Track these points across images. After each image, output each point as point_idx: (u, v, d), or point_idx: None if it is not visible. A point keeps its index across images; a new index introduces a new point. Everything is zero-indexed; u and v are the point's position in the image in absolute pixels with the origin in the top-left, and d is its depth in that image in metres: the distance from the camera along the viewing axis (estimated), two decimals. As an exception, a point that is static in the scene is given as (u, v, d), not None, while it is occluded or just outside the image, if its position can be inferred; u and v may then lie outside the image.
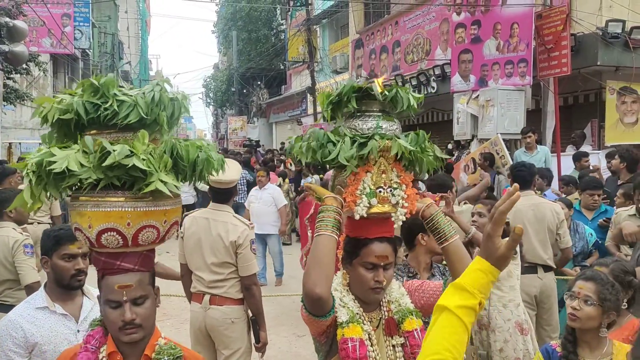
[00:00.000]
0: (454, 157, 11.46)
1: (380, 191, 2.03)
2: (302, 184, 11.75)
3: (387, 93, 2.09)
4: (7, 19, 13.32)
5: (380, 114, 2.12)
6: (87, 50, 25.32)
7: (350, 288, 2.14)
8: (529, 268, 4.94)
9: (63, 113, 1.71)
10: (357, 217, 2.01)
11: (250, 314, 4.25)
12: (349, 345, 1.99)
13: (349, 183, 2.04)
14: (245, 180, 11.65)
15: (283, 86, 28.87)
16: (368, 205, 2.01)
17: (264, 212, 8.92)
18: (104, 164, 1.63)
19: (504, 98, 9.58)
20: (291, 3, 23.16)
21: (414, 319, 2.13)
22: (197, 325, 4.18)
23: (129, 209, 1.70)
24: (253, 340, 4.25)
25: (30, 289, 3.87)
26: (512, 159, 9.07)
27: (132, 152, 1.65)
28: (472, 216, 4.32)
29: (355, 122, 2.11)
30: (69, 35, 21.30)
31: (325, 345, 2.11)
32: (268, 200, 9.01)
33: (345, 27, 21.03)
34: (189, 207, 13.13)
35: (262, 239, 8.86)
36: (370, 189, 2.02)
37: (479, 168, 9.14)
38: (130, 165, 1.63)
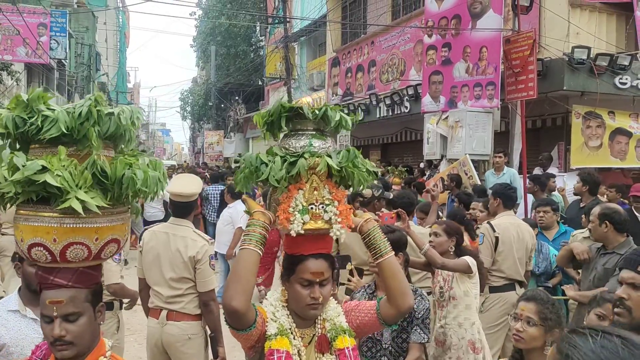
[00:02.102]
0: (426, 176, 11.60)
1: (312, 208, 2.06)
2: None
3: (317, 112, 2.14)
4: (-21, 27, 13.18)
5: (313, 132, 2.17)
6: (63, 61, 25.09)
7: (289, 304, 2.17)
8: (508, 285, 5.13)
9: (3, 128, 1.72)
10: (293, 233, 2.03)
11: (209, 330, 4.23)
12: (275, 356, 2.01)
13: (282, 200, 2.08)
14: (218, 195, 11.53)
15: (261, 102, 28.94)
16: (301, 222, 2.04)
17: (220, 231, 8.71)
18: (11, 179, 1.63)
19: (473, 120, 9.73)
20: (270, 20, 23.32)
21: (346, 337, 2.14)
22: (154, 341, 4.14)
23: (55, 225, 1.69)
24: (211, 357, 4.22)
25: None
26: (481, 180, 9.22)
27: (44, 167, 1.64)
28: (430, 236, 4.38)
29: (290, 141, 2.16)
30: (45, 45, 21.11)
31: (253, 359, 2.12)
32: (226, 219, 8.80)
33: (322, 45, 21.25)
34: (158, 222, 12.97)
35: (224, 257, 8.66)
36: (302, 205, 2.05)
37: (446, 189, 9.26)
38: (40, 182, 1.63)
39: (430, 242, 4.28)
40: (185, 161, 40.20)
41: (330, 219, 2.08)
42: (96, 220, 1.73)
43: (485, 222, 5.43)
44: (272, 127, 2.20)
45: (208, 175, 15.51)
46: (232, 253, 8.68)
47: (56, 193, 1.66)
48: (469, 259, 4.18)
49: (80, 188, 1.68)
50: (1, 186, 1.64)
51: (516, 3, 9.22)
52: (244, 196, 2.61)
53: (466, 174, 9.25)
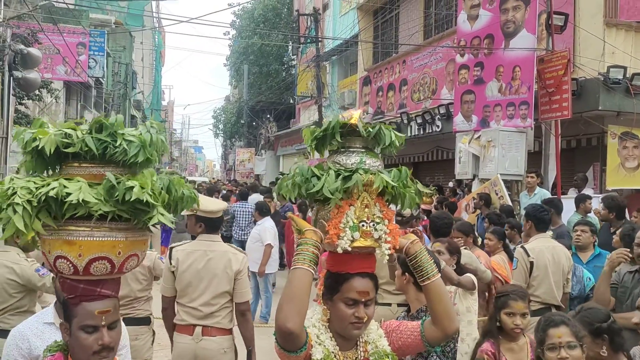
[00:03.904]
0: (458, 197, 11.51)
1: (363, 225, 2.02)
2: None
3: (370, 130, 2.13)
4: (22, 46, 13.63)
5: (363, 150, 2.15)
6: (100, 79, 25.76)
7: (330, 324, 2.12)
8: (544, 309, 4.97)
9: (65, 146, 1.79)
10: (340, 250, 2.00)
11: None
12: None
13: (332, 216, 2.03)
14: (246, 213, 11.59)
15: (292, 120, 29.17)
16: (351, 238, 2.00)
17: (250, 248, 8.55)
18: (121, 198, 1.75)
19: (505, 139, 9.64)
20: (302, 40, 23.57)
21: None
22: (187, 358, 4.16)
23: (122, 239, 1.80)
24: None
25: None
26: (515, 200, 9.11)
27: (143, 187, 1.78)
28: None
29: (339, 158, 2.13)
30: (83, 63, 21.73)
31: None
32: (255, 237, 8.77)
33: (354, 64, 21.36)
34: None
35: (254, 274, 8.54)
36: (353, 222, 2.01)
37: (476, 208, 9.18)
38: (137, 199, 1.75)
39: None
40: (213, 177, 40.62)
41: (380, 237, 2.04)
42: (146, 234, 1.89)
43: (519, 246, 5.35)
44: (321, 142, 2.19)
45: (235, 190, 15.64)
46: (263, 270, 8.71)
47: (145, 210, 1.79)
48: (472, 276, 4.26)
49: (160, 205, 1.84)
50: (92, 204, 1.73)
51: (550, 23, 9.16)
52: (290, 214, 2.63)
53: (497, 194, 9.14)
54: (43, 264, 4.18)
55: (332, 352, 2.06)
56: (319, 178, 2.05)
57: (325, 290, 2.15)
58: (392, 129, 2.19)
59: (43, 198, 1.71)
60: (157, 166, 2.08)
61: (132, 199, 1.74)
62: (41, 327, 2.66)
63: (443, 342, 2.21)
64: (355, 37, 19.44)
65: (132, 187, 1.75)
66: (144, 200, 1.76)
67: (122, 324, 2.89)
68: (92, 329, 1.82)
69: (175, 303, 4.21)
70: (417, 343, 2.14)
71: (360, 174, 2.02)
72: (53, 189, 1.71)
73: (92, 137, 1.80)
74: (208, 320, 4.12)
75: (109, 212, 1.76)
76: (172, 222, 1.86)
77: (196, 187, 17.50)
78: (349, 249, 2.00)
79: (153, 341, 4.64)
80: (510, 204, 8.76)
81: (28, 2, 17.66)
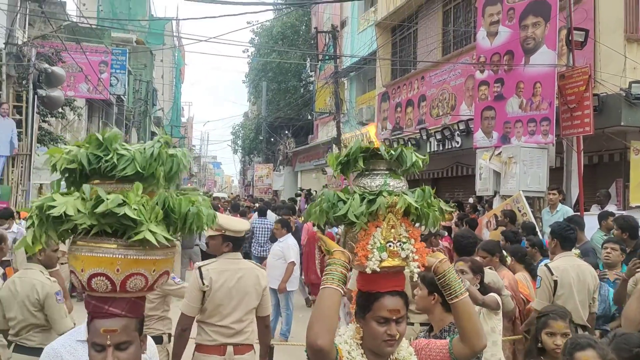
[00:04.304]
0: (478, 213, 11.42)
1: (390, 245, 2.08)
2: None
3: (393, 152, 2.19)
4: (47, 65, 13.92)
5: (387, 172, 2.21)
6: (122, 96, 26.12)
7: (363, 341, 2.16)
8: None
9: (69, 162, 1.83)
10: (369, 271, 2.06)
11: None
12: None
13: (360, 238, 2.09)
14: (265, 229, 11.62)
15: (310, 136, 29.28)
16: (379, 259, 2.06)
17: (271, 265, 8.53)
18: (96, 211, 1.72)
19: (527, 155, 9.58)
20: (320, 57, 23.73)
21: None
22: None
23: (120, 256, 1.76)
24: None
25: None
26: (537, 217, 9.01)
27: (124, 201, 1.74)
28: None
29: (364, 181, 2.20)
30: (105, 81, 22.09)
31: None
32: (277, 254, 8.71)
33: (372, 80, 21.43)
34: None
35: (274, 291, 8.48)
36: (380, 243, 2.08)
37: (500, 225, 9.09)
38: (121, 214, 1.72)
39: None
40: (232, 192, 40.83)
41: (407, 256, 2.10)
42: (155, 253, 1.82)
43: (543, 264, 5.28)
44: (345, 166, 2.27)
45: (253, 206, 15.66)
46: (283, 287, 8.68)
47: (130, 225, 1.75)
48: (496, 296, 4.22)
49: (151, 222, 1.78)
50: (76, 218, 1.73)
51: (570, 38, 9.13)
52: (319, 234, 2.68)
53: (520, 211, 9.07)
54: (60, 291, 4.23)
55: None
56: (344, 202, 2.12)
57: (357, 309, 2.20)
58: (413, 150, 2.25)
59: (46, 213, 1.74)
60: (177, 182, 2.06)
61: (111, 213, 1.72)
62: (74, 344, 2.67)
63: (471, 359, 2.22)
64: (374, 54, 19.52)
65: (102, 200, 1.73)
66: (120, 214, 1.72)
67: (152, 342, 2.92)
68: (99, 347, 1.82)
69: (200, 323, 4.18)
70: None
71: (384, 197, 2.09)
72: (40, 203, 1.75)
73: (86, 153, 1.82)
74: (238, 338, 4.15)
75: (93, 225, 1.75)
76: (168, 240, 1.81)
77: (214, 201, 17.57)
78: (378, 269, 2.06)
79: None
80: (533, 220, 8.67)
81: (52, 22, 18.05)
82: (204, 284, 4.11)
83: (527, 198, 9.18)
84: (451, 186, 16.23)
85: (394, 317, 2.11)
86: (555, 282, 4.96)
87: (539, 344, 3.38)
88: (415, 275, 2.13)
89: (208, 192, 26.66)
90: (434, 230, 6.02)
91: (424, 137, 14.53)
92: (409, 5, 16.81)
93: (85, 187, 1.78)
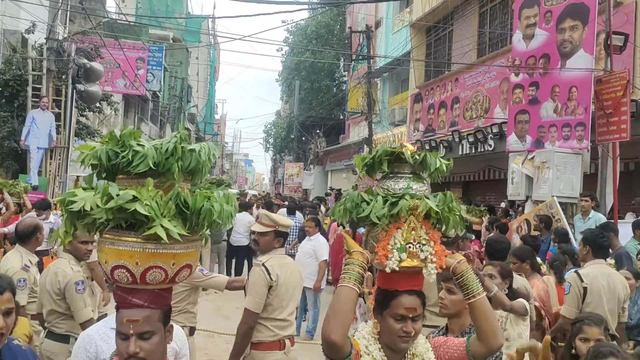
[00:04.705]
0: (509, 218, 11.27)
1: (409, 247, 2.17)
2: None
3: (417, 157, 2.26)
4: (85, 61, 14.24)
5: (411, 175, 2.29)
6: (157, 93, 26.56)
7: (380, 337, 2.26)
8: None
9: (94, 159, 1.91)
10: (388, 270, 2.14)
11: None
12: None
13: (381, 238, 2.19)
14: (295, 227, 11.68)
15: (341, 135, 29.29)
16: (399, 259, 2.14)
17: (301, 263, 8.39)
18: (106, 206, 1.79)
19: (561, 160, 9.43)
20: (354, 57, 23.71)
21: None
22: None
23: (138, 249, 1.83)
24: None
25: (84, 326, 4.05)
26: (570, 223, 8.86)
27: (135, 197, 1.80)
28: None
29: (388, 183, 2.28)
30: (142, 77, 22.46)
31: None
32: (308, 252, 8.74)
33: (405, 81, 21.33)
34: (242, 248, 13.34)
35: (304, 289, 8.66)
36: (400, 244, 2.16)
37: (533, 230, 8.97)
38: (131, 210, 1.79)
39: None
40: (264, 191, 41.13)
41: (426, 257, 2.17)
42: (174, 247, 1.87)
43: (573, 271, 5.20)
44: (370, 168, 2.35)
45: (283, 205, 15.76)
46: (319, 286, 8.75)
47: (143, 220, 1.82)
48: (524, 302, 4.18)
49: (164, 217, 1.84)
50: (94, 212, 1.80)
51: (609, 43, 8.95)
52: (343, 233, 2.77)
53: (554, 217, 8.93)
54: (83, 281, 4.31)
55: None
56: (368, 203, 2.22)
57: (376, 305, 2.30)
58: (437, 155, 2.33)
59: (66, 208, 1.82)
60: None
61: (124, 208, 1.78)
62: (108, 332, 2.75)
63: (487, 358, 2.29)
64: (408, 55, 19.43)
65: (110, 196, 1.79)
66: (130, 210, 1.78)
67: (182, 332, 2.99)
68: (123, 336, 1.89)
69: (260, 320, 4.20)
70: (462, 358, 2.25)
71: (406, 200, 2.17)
72: (62, 197, 1.84)
73: (105, 149, 1.88)
74: (290, 330, 4.29)
75: (109, 220, 1.81)
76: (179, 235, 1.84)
77: (247, 199, 17.74)
78: (397, 268, 2.15)
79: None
80: (567, 227, 8.54)
81: (92, 18, 18.46)
82: (271, 279, 4.17)
83: (560, 204, 9.03)
84: (483, 190, 16.06)
85: (410, 315, 2.20)
86: (585, 289, 4.89)
87: (573, 350, 3.34)
88: (432, 277, 2.20)
89: (242, 190, 26.89)
90: (461, 233, 6.04)
91: (456, 140, 14.41)
92: (445, 5, 16.67)
93: (100, 183, 1.86)
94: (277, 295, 4.21)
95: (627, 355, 2.64)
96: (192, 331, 4.78)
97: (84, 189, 1.87)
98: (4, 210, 9.13)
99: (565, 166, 9.44)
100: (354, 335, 2.29)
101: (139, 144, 1.90)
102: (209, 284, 4.79)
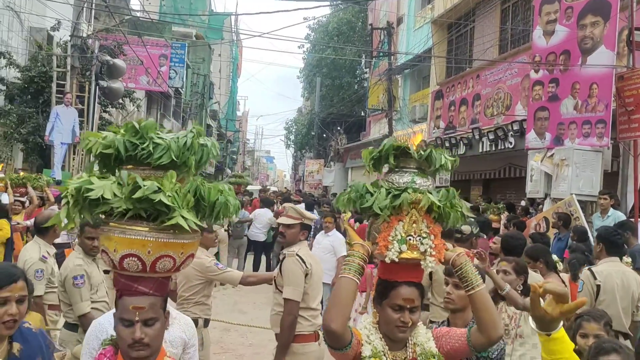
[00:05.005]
0: (529, 216, 11.17)
1: (410, 239, 2.21)
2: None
3: (422, 152, 2.32)
4: (108, 58, 14.46)
5: (416, 170, 2.34)
6: (179, 89, 26.82)
7: (379, 326, 2.32)
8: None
9: (105, 147, 1.94)
10: (388, 260, 2.20)
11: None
12: None
13: (382, 229, 2.24)
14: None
15: (362, 132, 29.25)
16: (399, 250, 2.19)
17: (320, 259, 8.72)
18: (134, 196, 1.84)
19: (580, 158, 9.33)
20: (375, 53, 23.66)
21: None
22: None
23: (151, 239, 1.87)
24: None
25: (82, 320, 4.17)
26: (588, 222, 8.76)
27: (159, 188, 1.85)
28: (497, 274, 4.26)
29: (393, 176, 2.34)
30: (164, 74, 22.73)
31: None
32: (327, 247, 8.74)
33: (426, 78, 21.22)
34: (259, 244, 13.45)
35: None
36: (401, 236, 2.21)
37: (552, 228, 8.89)
38: (156, 200, 1.84)
39: None
40: (285, 187, 41.29)
41: (425, 250, 2.22)
42: (184, 237, 1.93)
43: (587, 268, 5.16)
44: (377, 162, 2.39)
45: (301, 201, 15.83)
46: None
47: (163, 211, 1.87)
48: None
49: (183, 208, 1.89)
50: (113, 201, 1.85)
51: (631, 39, 8.81)
52: (347, 225, 2.82)
53: (572, 215, 8.84)
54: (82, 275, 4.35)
55: (381, 351, 2.26)
56: (372, 195, 2.27)
57: (376, 295, 2.35)
58: (443, 152, 2.38)
59: (83, 195, 1.84)
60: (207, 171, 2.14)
61: (152, 200, 1.82)
62: None
63: (487, 348, 2.37)
64: (429, 51, 19.32)
65: (139, 187, 1.83)
66: (156, 200, 1.82)
67: (191, 323, 3.05)
68: (127, 322, 1.93)
69: (300, 311, 4.25)
70: (463, 348, 2.29)
71: (409, 193, 2.22)
72: (78, 185, 1.85)
73: (123, 140, 1.92)
74: (320, 319, 4.30)
75: (129, 209, 1.85)
76: (197, 225, 1.91)
77: (269, 195, 17.85)
78: (396, 259, 2.19)
79: (203, 344, 4.69)
80: (585, 225, 8.44)
81: (116, 15, 18.72)
82: (307, 267, 4.27)
83: (580, 202, 8.93)
84: (503, 187, 15.92)
85: (408, 306, 2.24)
86: (598, 286, 4.85)
87: (576, 347, 3.33)
88: (431, 269, 2.26)
89: (265, 187, 27.07)
90: (476, 231, 6.03)
91: (477, 137, 14.32)
92: (467, 2, 16.55)
93: (124, 173, 1.89)
94: (312, 283, 4.29)
95: (629, 352, 2.63)
96: (206, 323, 4.87)
97: (99, 177, 1.91)
98: (27, 203, 9.33)
99: (585, 164, 9.34)
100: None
101: (159, 137, 1.95)
102: (223, 278, 4.86)
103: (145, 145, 1.92)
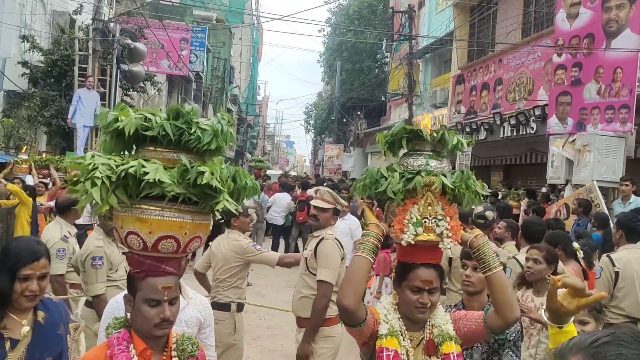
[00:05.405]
0: (550, 203, 11.07)
1: (425, 221, 2.23)
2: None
3: (435, 135, 2.32)
4: (129, 41, 14.55)
5: (430, 153, 2.35)
6: (200, 73, 26.88)
7: (399, 307, 2.35)
8: (628, 323, 4.74)
9: (144, 129, 1.94)
10: (404, 243, 2.22)
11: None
12: (384, 354, 2.21)
13: (398, 213, 2.26)
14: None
15: (382, 117, 29.10)
16: (414, 233, 2.21)
17: None
18: (197, 182, 1.87)
19: (602, 144, 9.19)
20: (396, 37, 23.44)
21: (452, 344, 2.28)
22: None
23: (189, 221, 1.94)
24: None
25: (95, 301, 4.23)
26: (609, 208, 8.66)
27: (212, 173, 1.90)
28: (527, 262, 4.21)
29: (408, 160, 2.36)
30: (185, 58, 22.77)
31: (366, 355, 2.35)
32: (344, 231, 8.57)
33: (447, 62, 20.99)
34: (277, 227, 13.54)
35: None
36: (416, 218, 2.23)
37: (572, 214, 8.81)
38: (206, 184, 1.88)
39: (528, 267, 4.15)
40: (305, 173, 41.37)
41: (441, 232, 2.24)
42: (209, 218, 2.01)
43: (605, 255, 5.10)
44: (392, 146, 2.41)
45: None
46: None
47: (212, 195, 1.92)
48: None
49: (225, 192, 1.97)
50: (166, 185, 1.86)
51: (658, 22, 8.63)
52: (364, 206, 2.87)
53: (593, 201, 8.74)
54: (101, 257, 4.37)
55: (398, 330, 2.28)
56: (386, 179, 2.30)
57: (395, 277, 2.39)
58: (455, 133, 2.38)
59: (122, 175, 1.85)
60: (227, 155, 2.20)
61: (202, 183, 1.87)
62: None
63: (504, 330, 2.38)
64: (450, 35, 19.09)
65: (203, 172, 1.88)
66: (213, 186, 1.88)
67: (207, 303, 3.10)
68: (155, 302, 1.97)
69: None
70: (480, 330, 2.31)
71: (422, 176, 2.23)
72: (132, 167, 1.86)
73: (169, 123, 1.94)
74: None
75: (180, 194, 1.88)
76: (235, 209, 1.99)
77: (289, 180, 17.95)
78: (412, 242, 2.22)
79: (235, 329, 4.73)
80: (606, 211, 8.35)
81: (137, -1, 18.78)
82: (343, 251, 4.34)
83: (601, 189, 8.82)
84: (524, 173, 15.75)
85: (427, 287, 2.28)
86: (617, 273, 4.80)
87: None
88: (449, 251, 2.28)
89: (286, 172, 27.16)
90: (493, 218, 5.99)
91: (498, 122, 14.17)
92: (490, -15, 16.31)
93: (184, 158, 1.92)
94: (344, 267, 4.28)
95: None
96: (240, 307, 4.83)
97: (146, 160, 1.91)
98: (50, 185, 9.50)
99: (607, 150, 9.21)
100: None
101: (203, 123, 1.99)
102: (261, 259, 4.84)
103: (192, 130, 1.95)
